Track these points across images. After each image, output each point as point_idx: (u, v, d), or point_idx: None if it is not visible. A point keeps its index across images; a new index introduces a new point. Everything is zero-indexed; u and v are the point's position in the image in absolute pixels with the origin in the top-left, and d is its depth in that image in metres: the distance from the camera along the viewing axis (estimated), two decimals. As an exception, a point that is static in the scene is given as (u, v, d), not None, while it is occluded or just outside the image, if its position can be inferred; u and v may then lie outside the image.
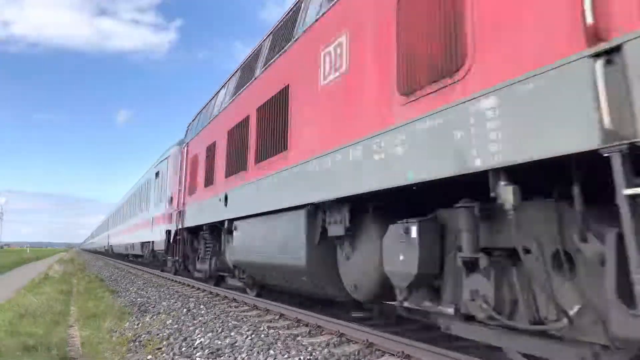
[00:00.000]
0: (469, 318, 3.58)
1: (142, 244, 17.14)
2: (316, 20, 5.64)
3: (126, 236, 22.29)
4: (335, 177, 4.78)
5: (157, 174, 15.81)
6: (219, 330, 5.51)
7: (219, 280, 10.17)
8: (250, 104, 7.57)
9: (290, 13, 6.82)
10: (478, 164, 3.00)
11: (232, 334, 5.24)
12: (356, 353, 4.25)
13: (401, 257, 3.89)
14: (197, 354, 4.45)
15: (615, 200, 2.25)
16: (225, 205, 8.09)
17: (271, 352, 4.35)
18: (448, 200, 3.70)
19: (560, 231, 2.92)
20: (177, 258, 11.95)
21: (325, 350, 4.36)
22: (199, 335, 5.25)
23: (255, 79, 7.63)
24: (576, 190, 2.68)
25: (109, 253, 34.62)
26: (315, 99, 5.37)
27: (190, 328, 5.73)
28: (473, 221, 3.41)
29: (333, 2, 5.23)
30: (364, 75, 4.48)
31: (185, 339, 5.11)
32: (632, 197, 2.18)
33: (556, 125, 2.52)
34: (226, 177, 8.35)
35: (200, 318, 6.43)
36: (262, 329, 5.50)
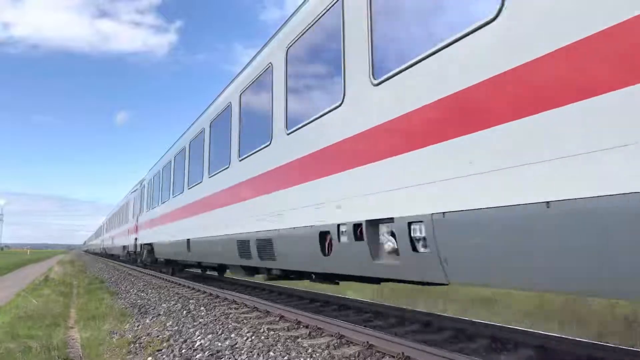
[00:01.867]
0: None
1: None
2: None
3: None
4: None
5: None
6: (219, 332, 5.50)
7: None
8: None
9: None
10: None
11: (233, 335, 5.24)
12: (356, 355, 4.24)
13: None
14: (197, 356, 4.45)
15: None
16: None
17: (271, 354, 4.34)
18: None
19: None
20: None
21: (326, 352, 4.36)
22: (199, 337, 5.25)
23: None
24: None
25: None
26: None
27: (191, 330, 5.73)
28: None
29: None
30: None
31: (185, 341, 5.11)
32: None
33: None
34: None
35: (200, 320, 6.43)
36: (262, 330, 5.49)
